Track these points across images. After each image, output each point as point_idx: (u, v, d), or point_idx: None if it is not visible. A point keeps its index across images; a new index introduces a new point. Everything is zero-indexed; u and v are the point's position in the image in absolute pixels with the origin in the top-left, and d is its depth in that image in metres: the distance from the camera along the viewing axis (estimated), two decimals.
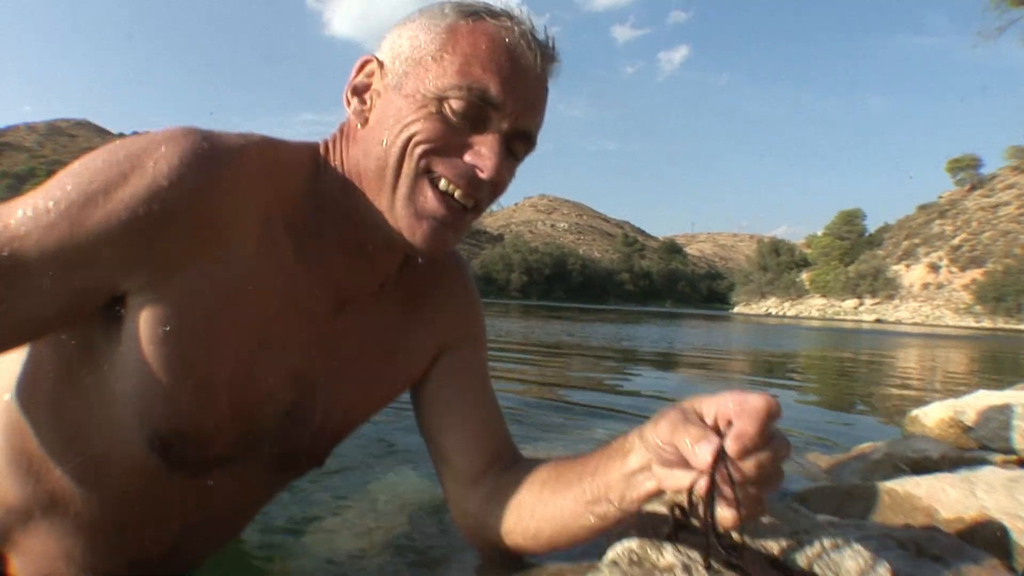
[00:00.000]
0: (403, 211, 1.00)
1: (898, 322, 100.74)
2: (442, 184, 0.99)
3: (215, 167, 0.91)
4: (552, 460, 1.17)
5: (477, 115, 0.97)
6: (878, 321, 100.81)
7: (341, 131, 1.08)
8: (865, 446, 2.91)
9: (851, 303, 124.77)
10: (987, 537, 1.59)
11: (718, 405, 0.86)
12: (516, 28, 1.00)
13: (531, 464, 1.19)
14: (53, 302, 0.86)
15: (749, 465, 0.81)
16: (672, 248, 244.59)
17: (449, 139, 0.98)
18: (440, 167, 0.98)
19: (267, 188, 0.99)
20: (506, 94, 0.97)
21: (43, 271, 0.83)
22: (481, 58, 0.97)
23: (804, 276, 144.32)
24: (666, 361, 9.15)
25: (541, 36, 1.03)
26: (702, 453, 0.81)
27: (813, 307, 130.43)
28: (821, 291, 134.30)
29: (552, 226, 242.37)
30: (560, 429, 3.57)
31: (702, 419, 0.87)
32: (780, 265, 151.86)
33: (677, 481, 0.88)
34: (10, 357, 1.00)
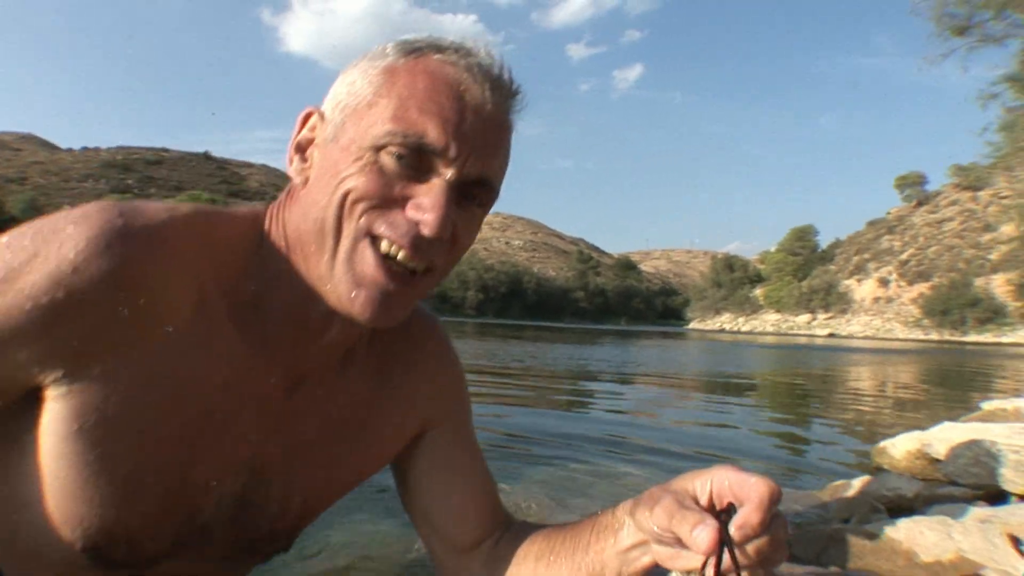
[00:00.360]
0: (342, 278, 0.89)
1: (850, 336, 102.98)
2: (383, 246, 0.87)
3: (130, 246, 0.82)
4: (543, 531, 1.13)
5: (418, 164, 0.86)
6: (831, 335, 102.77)
7: (287, 194, 0.98)
8: (839, 483, 3.02)
9: (804, 318, 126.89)
10: None
11: (713, 483, 0.84)
12: (462, 61, 0.89)
13: (523, 533, 1.15)
14: None
15: (751, 549, 0.79)
16: (627, 265, 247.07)
17: (388, 193, 0.86)
18: (380, 226, 0.87)
19: (199, 264, 0.90)
20: (449, 137, 0.85)
21: None
22: (418, 99, 0.86)
23: (758, 292, 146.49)
24: (628, 385, 9.27)
25: (494, 68, 0.91)
26: (702, 539, 0.78)
27: (767, 322, 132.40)
28: (775, 306, 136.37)
29: (507, 243, 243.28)
30: (547, 460, 3.66)
31: (696, 500, 0.85)
32: (734, 281, 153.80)
33: (683, 563, 0.85)
34: None
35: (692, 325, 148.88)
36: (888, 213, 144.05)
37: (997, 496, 2.83)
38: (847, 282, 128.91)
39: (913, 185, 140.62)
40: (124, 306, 0.82)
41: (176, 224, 0.88)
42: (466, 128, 0.86)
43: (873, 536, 2.09)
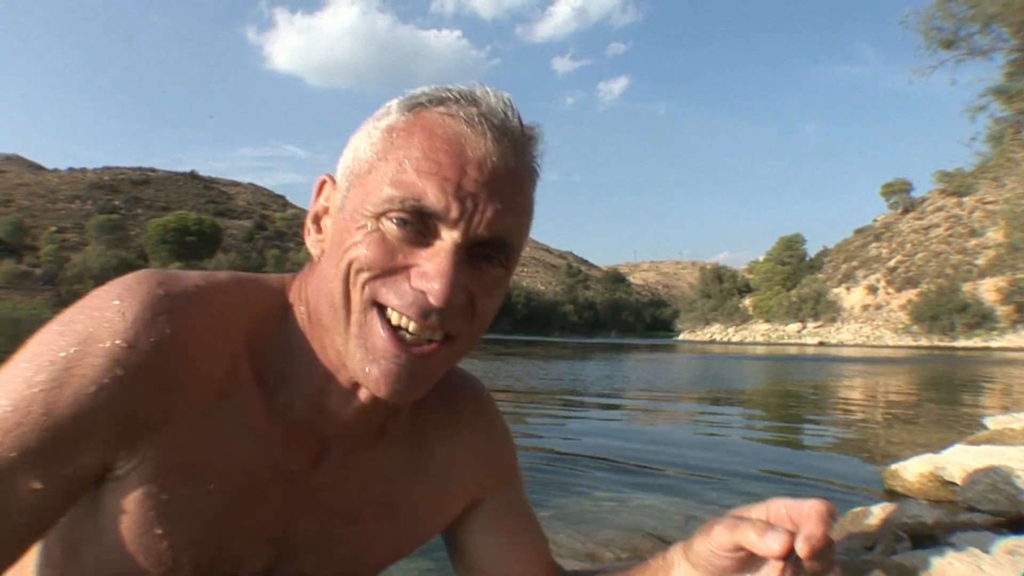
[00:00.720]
0: (356, 352, 0.85)
1: (840, 344, 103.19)
2: (393, 317, 0.83)
3: (175, 317, 0.82)
4: None
5: (422, 228, 0.82)
6: (821, 344, 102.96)
7: (309, 266, 0.96)
8: (858, 510, 3.05)
9: (794, 327, 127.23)
10: None
11: (769, 511, 0.87)
12: (463, 112, 0.83)
13: None
14: (44, 500, 0.78)
15: (815, 565, 0.81)
16: (616, 278, 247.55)
17: (391, 261, 0.82)
18: (387, 296, 0.82)
19: (233, 334, 0.89)
20: (449, 197, 0.80)
21: (28, 473, 0.76)
22: (415, 159, 0.81)
23: (747, 302, 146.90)
24: (625, 402, 9.31)
25: (499, 113, 0.85)
26: (774, 541, 0.80)
27: (757, 332, 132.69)
28: (764, 316, 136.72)
29: None
30: (561, 485, 3.69)
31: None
32: (723, 291, 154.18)
33: None
34: None
35: (682, 336, 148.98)
36: (875, 220, 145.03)
37: (1018, 521, 2.87)
38: (836, 290, 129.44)
39: (899, 192, 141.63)
40: (173, 378, 0.82)
41: (213, 292, 0.88)
42: (468, 185, 0.81)
43: (903, 568, 2.12)
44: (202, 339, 0.84)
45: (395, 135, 0.84)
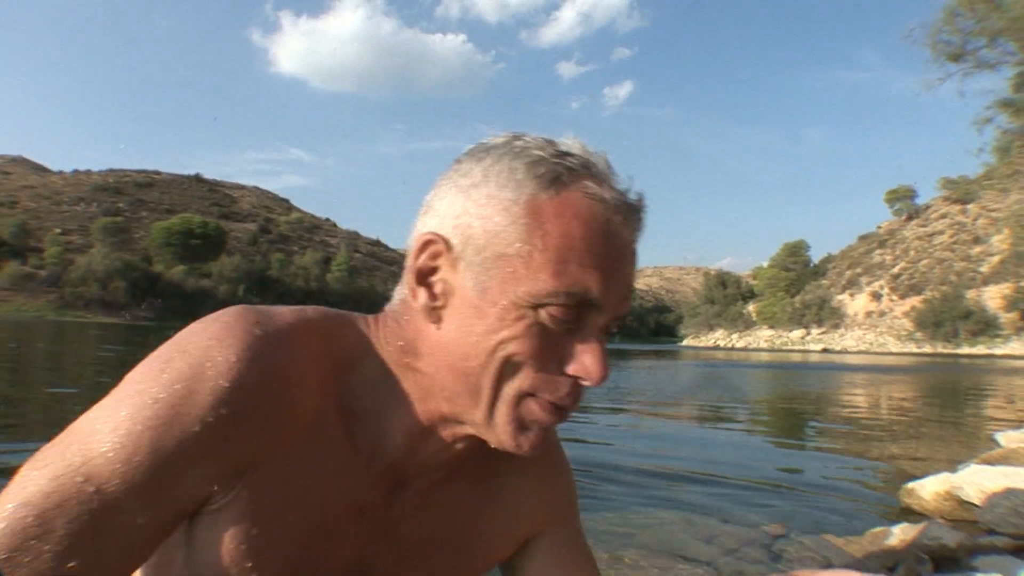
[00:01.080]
0: (505, 426, 0.88)
1: (844, 351, 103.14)
2: (548, 398, 0.87)
3: (273, 355, 0.84)
4: None
5: (577, 318, 0.84)
6: (825, 350, 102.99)
7: (402, 314, 0.95)
8: (879, 530, 3.15)
9: (798, 333, 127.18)
10: None
11: None
12: (606, 194, 0.84)
13: None
14: (144, 534, 0.80)
15: None
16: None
17: (549, 351, 0.84)
18: (543, 391, 0.86)
19: (322, 372, 0.91)
20: (607, 288, 0.83)
21: (134, 509, 0.78)
22: (578, 251, 0.82)
23: (751, 307, 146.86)
24: (633, 415, 9.37)
25: (632, 195, 0.88)
26: None
27: (761, 338, 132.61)
28: (768, 322, 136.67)
29: None
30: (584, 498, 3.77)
31: None
32: (727, 297, 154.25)
33: None
34: None
35: (686, 342, 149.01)
36: (879, 227, 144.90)
37: None
38: (840, 297, 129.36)
39: (903, 199, 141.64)
40: (272, 417, 0.83)
41: (305, 330, 0.89)
42: (619, 275, 0.85)
43: None
44: (298, 379, 0.86)
45: (545, 219, 0.82)
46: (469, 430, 0.92)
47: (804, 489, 4.49)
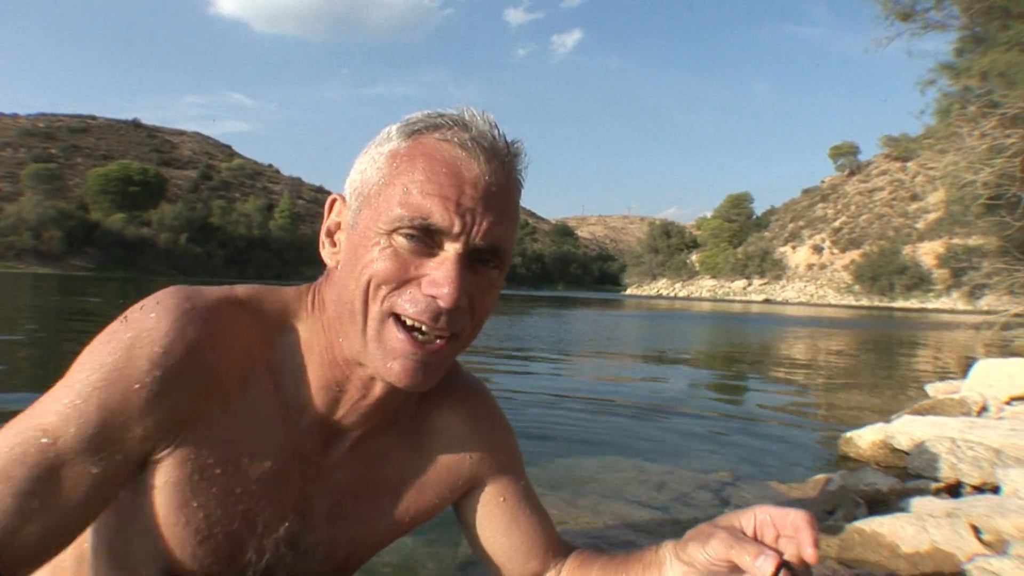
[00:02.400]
0: (376, 352, 0.99)
1: (785, 302, 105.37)
2: (408, 321, 0.97)
3: (201, 327, 0.98)
4: (597, 562, 1.27)
5: (428, 241, 0.95)
6: (766, 301, 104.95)
7: (326, 275, 1.09)
8: (820, 477, 3.38)
9: (740, 284, 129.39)
10: None
11: (756, 519, 0.98)
12: (457, 138, 0.96)
13: (580, 563, 1.29)
14: (100, 483, 0.94)
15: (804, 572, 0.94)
16: (564, 231, 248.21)
17: (404, 273, 0.95)
18: (402, 307, 0.96)
19: (249, 336, 1.04)
20: (451, 215, 0.93)
21: (83, 464, 0.92)
22: (420, 182, 0.94)
23: (694, 258, 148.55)
24: (577, 359, 9.51)
25: (489, 137, 0.99)
26: (765, 565, 0.91)
27: (704, 288, 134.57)
28: (711, 272, 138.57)
29: None
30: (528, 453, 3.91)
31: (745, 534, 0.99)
32: (671, 247, 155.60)
33: None
34: None
35: (629, 291, 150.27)
36: (822, 182, 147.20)
37: (956, 486, 3.22)
38: (782, 249, 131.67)
39: (847, 155, 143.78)
40: (202, 377, 0.98)
41: (231, 304, 1.04)
42: (467, 203, 0.94)
43: (862, 531, 2.43)
44: (224, 345, 1.00)
45: (398, 159, 0.97)
46: (370, 369, 1.03)
47: (750, 438, 4.70)
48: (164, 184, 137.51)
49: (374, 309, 0.97)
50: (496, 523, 1.28)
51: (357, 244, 0.98)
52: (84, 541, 1.11)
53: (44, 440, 0.90)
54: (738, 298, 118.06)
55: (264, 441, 1.05)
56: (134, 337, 0.95)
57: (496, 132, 0.99)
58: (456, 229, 0.94)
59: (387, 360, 0.98)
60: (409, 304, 0.95)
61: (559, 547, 1.32)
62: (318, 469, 1.12)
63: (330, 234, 1.07)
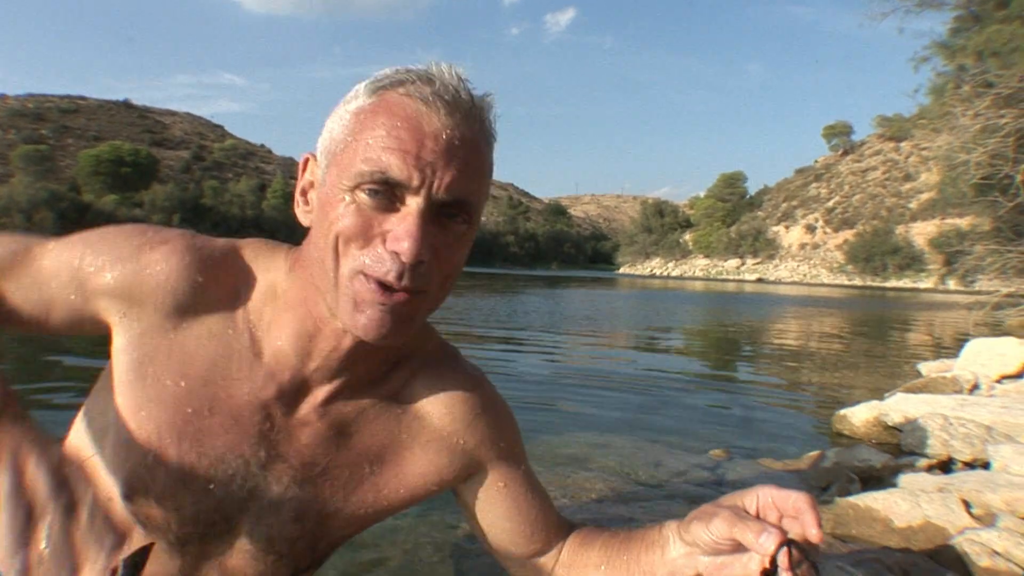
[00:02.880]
0: (345, 307, 0.99)
1: (778, 281, 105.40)
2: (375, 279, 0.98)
3: (195, 264, 1.08)
4: (599, 539, 1.28)
5: (391, 196, 0.95)
6: (759, 280, 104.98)
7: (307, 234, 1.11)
8: (814, 454, 3.43)
9: (733, 263, 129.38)
10: (951, 557, 2.08)
11: (759, 499, 1.01)
12: (418, 92, 0.96)
13: (582, 542, 1.31)
14: (57, 293, 1.09)
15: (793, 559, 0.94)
16: (557, 210, 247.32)
17: (369, 229, 0.96)
18: (369, 267, 0.96)
19: (236, 286, 1.11)
20: (411, 168, 0.93)
21: (55, 274, 1.08)
22: (379, 137, 0.94)
23: (687, 237, 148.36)
24: (571, 338, 9.57)
25: (451, 90, 0.97)
26: (768, 543, 0.93)
27: (697, 267, 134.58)
28: (704, 251, 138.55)
29: None
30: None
31: (748, 513, 1.02)
32: (664, 226, 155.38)
33: (730, 571, 1.03)
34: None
35: (622, 270, 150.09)
36: (816, 161, 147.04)
37: (947, 463, 3.28)
38: (775, 228, 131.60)
39: (840, 135, 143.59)
40: (173, 296, 1.07)
41: (232, 253, 1.13)
42: (426, 156, 0.93)
43: (856, 507, 2.49)
44: (210, 283, 1.09)
45: (362, 116, 0.97)
46: (339, 323, 1.05)
47: (745, 417, 4.77)
48: (156, 165, 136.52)
49: (344, 267, 0.98)
50: (497, 509, 1.29)
51: (325, 202, 1.00)
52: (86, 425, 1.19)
53: (39, 238, 1.11)
54: (731, 277, 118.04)
55: (224, 374, 1.09)
56: (143, 249, 1.07)
57: (462, 85, 0.98)
58: (415, 182, 0.93)
59: (355, 313, 0.99)
60: (375, 263, 0.95)
61: (560, 527, 1.33)
62: (283, 423, 1.12)
63: (304, 193, 1.09)
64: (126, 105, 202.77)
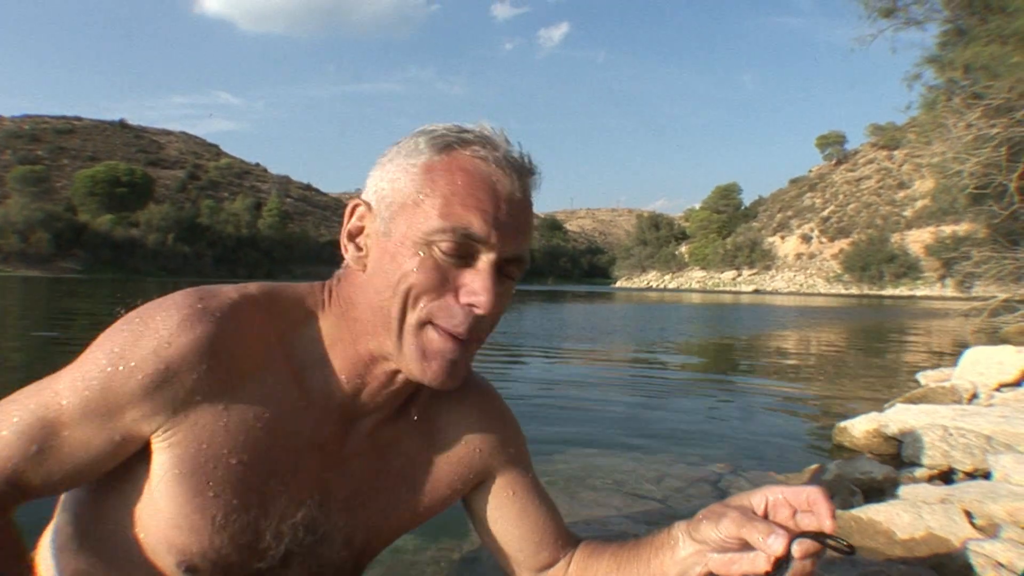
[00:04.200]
0: (412, 354, 1.04)
1: (775, 291, 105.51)
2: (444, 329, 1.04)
3: (210, 324, 1.02)
4: (608, 549, 1.31)
5: (466, 253, 1.01)
6: (756, 291, 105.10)
7: (343, 274, 1.14)
8: (815, 466, 3.44)
9: (730, 274, 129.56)
10: (955, 569, 2.09)
11: (768, 499, 1.04)
12: (490, 155, 1.03)
13: (591, 552, 1.33)
14: (91, 451, 1.02)
15: (809, 549, 0.98)
16: (553, 225, 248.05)
17: (443, 282, 1.01)
18: (439, 317, 1.02)
19: (263, 330, 1.08)
20: (489, 227, 1.00)
21: (83, 428, 1.00)
22: (460, 196, 1.00)
23: (683, 249, 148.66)
24: (568, 357, 9.58)
25: (516, 154, 1.07)
26: (777, 544, 0.96)
27: (693, 279, 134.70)
28: (700, 263, 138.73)
29: None
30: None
31: (756, 513, 1.05)
32: (659, 239, 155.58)
33: (739, 567, 1.06)
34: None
35: (619, 283, 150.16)
36: (810, 171, 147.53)
37: (948, 473, 3.29)
38: (771, 239, 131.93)
39: (833, 144, 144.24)
40: (209, 371, 1.01)
41: (245, 302, 1.08)
42: (502, 216, 1.01)
43: (859, 519, 2.50)
44: (234, 338, 1.04)
45: (435, 173, 1.02)
46: (397, 366, 1.09)
47: (745, 429, 4.76)
48: (151, 185, 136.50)
49: (412, 317, 1.02)
50: (506, 515, 1.32)
51: (393, 253, 1.02)
52: (100, 532, 1.14)
53: (52, 398, 1.00)
54: (727, 289, 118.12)
55: (283, 429, 1.08)
56: (143, 330, 1.00)
57: (520, 150, 1.07)
58: (493, 240, 1.00)
59: (423, 362, 1.04)
60: (445, 315, 1.02)
61: (568, 538, 1.36)
62: (336, 457, 1.15)
63: (352, 237, 1.10)
64: (121, 125, 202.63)
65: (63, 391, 1.01)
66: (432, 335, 1.03)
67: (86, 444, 1.01)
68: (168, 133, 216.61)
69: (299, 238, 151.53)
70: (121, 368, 0.99)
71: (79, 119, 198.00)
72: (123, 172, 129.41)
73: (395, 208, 1.04)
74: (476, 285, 1.01)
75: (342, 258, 1.13)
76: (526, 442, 1.41)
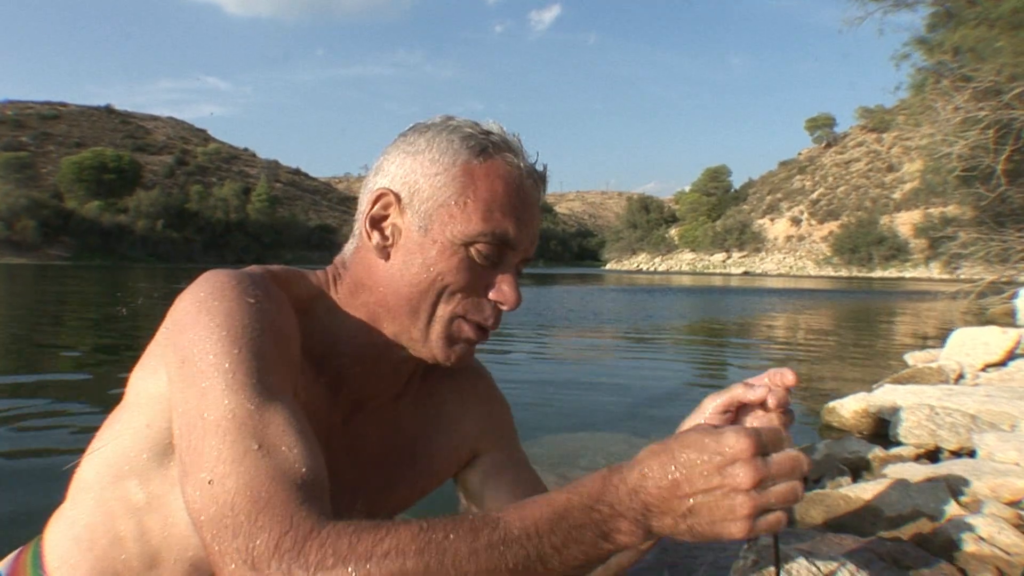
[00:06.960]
0: (438, 341, 1.11)
1: (764, 274, 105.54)
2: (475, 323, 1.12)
3: (269, 297, 1.01)
4: None
5: (498, 255, 1.09)
6: (746, 273, 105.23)
7: (354, 257, 1.15)
8: (804, 446, 3.49)
9: (719, 257, 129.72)
10: (939, 544, 2.15)
11: (731, 393, 1.07)
12: (521, 163, 1.11)
13: None
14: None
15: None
16: (542, 208, 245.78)
17: (476, 281, 1.09)
18: (471, 313, 1.10)
19: (294, 314, 1.08)
20: (521, 233, 1.09)
21: (288, 395, 0.94)
22: (500, 203, 1.07)
23: (673, 232, 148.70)
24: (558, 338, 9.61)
25: (538, 165, 1.15)
26: (759, 387, 1.03)
27: (683, 261, 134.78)
28: (690, 246, 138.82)
29: None
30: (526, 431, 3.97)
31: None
32: (649, 222, 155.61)
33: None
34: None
35: (609, 266, 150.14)
36: (799, 154, 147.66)
37: (934, 452, 3.36)
38: (760, 221, 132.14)
39: (823, 127, 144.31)
40: (292, 337, 1.03)
41: (273, 279, 1.07)
42: (529, 223, 1.12)
43: (847, 498, 2.55)
44: (288, 316, 1.03)
45: (477, 178, 1.07)
46: (410, 350, 1.13)
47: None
48: (139, 170, 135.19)
49: (445, 310, 1.09)
50: (498, 491, 1.34)
51: (428, 248, 1.07)
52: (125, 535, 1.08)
53: (237, 411, 0.87)
54: (717, 271, 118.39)
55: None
56: (238, 308, 0.95)
57: (539, 160, 1.15)
58: (523, 244, 1.11)
59: (447, 347, 1.11)
60: (475, 309, 1.10)
61: None
62: (343, 437, 1.18)
63: (376, 224, 1.11)
64: (108, 111, 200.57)
65: (233, 399, 0.89)
66: (463, 326, 1.10)
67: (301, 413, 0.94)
68: (155, 118, 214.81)
69: (288, 223, 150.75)
70: (268, 335, 0.95)
71: (64, 104, 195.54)
72: (110, 158, 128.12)
73: (432, 206, 1.08)
74: (506, 287, 1.10)
75: (333, 244, 1.14)
76: (513, 421, 1.45)
